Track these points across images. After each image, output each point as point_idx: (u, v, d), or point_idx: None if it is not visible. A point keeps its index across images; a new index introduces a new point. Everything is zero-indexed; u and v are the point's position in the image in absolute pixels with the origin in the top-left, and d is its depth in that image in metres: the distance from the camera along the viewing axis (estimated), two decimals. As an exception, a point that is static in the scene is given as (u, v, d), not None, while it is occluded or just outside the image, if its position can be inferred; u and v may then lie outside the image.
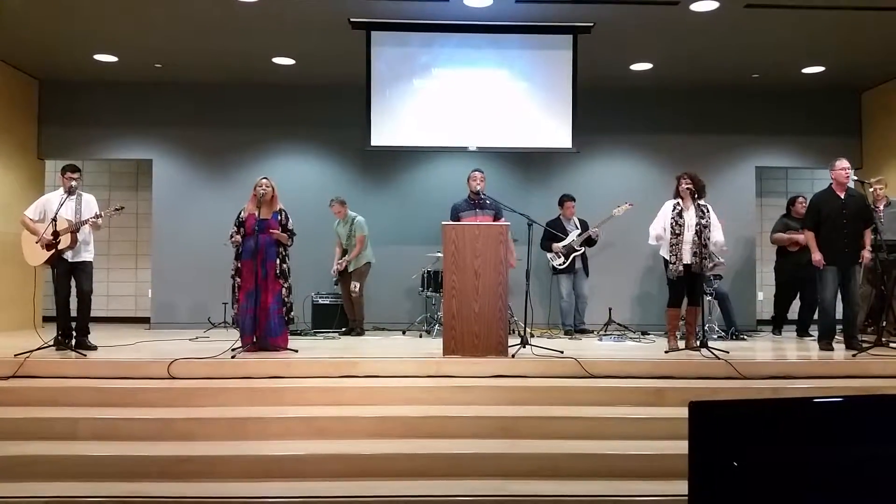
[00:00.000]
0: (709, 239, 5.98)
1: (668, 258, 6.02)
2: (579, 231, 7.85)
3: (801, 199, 7.82)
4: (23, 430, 4.38)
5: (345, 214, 7.94)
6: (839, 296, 6.17)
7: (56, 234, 5.79)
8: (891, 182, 8.03)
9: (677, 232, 5.98)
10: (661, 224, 6.15)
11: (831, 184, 6.22)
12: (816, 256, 6.10)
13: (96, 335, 6.26)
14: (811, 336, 7.69)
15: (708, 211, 6.04)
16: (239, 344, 5.76)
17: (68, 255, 5.97)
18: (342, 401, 4.80)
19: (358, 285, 7.78)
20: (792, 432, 1.54)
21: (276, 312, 5.95)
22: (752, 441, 1.50)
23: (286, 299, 6.01)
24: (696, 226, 5.94)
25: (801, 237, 7.61)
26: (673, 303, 6.17)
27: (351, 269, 7.83)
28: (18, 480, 3.91)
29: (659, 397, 4.84)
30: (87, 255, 6.13)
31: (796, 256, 7.65)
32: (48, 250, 5.86)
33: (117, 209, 6.23)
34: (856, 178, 6.33)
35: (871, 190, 7.00)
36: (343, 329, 7.91)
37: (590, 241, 7.88)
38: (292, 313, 6.12)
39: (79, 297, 6.10)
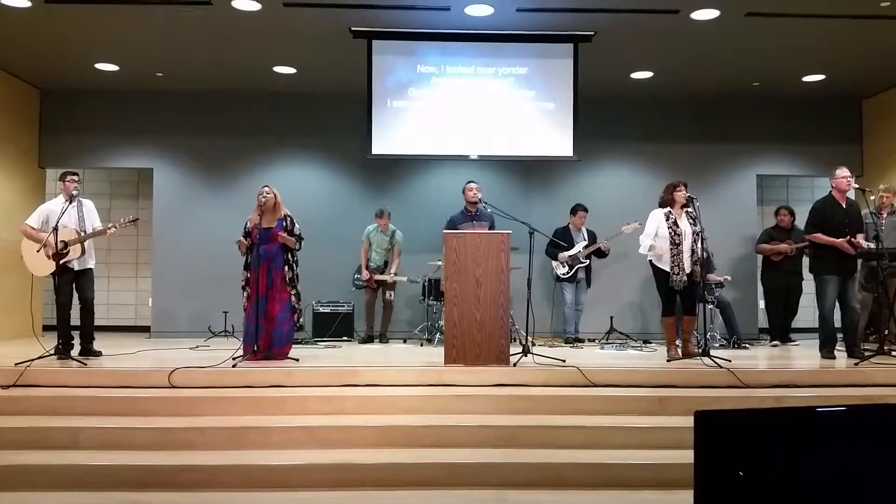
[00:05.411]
0: (705, 245, 5.98)
1: (667, 269, 5.97)
2: (586, 242, 7.85)
3: (783, 212, 7.84)
4: (23, 440, 4.37)
5: (387, 226, 8.14)
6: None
7: (65, 244, 5.84)
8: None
9: (677, 242, 5.95)
10: (653, 233, 6.07)
11: (831, 192, 6.18)
12: (839, 244, 5.92)
13: (97, 344, 6.24)
14: (793, 342, 7.72)
15: (698, 217, 6.03)
16: (240, 353, 5.74)
17: (74, 264, 5.99)
18: (343, 410, 4.79)
19: (393, 294, 8.08)
20: (797, 441, 1.53)
21: (285, 321, 5.95)
22: (758, 450, 1.49)
23: (296, 306, 6.02)
24: (693, 234, 5.95)
25: (784, 247, 7.65)
26: (667, 311, 6.11)
27: (388, 279, 8.02)
28: (19, 490, 3.90)
29: (661, 406, 4.83)
30: (90, 262, 6.20)
31: (781, 265, 7.78)
32: (56, 260, 5.85)
33: (132, 220, 6.20)
34: (857, 186, 6.30)
35: (874, 198, 6.99)
36: (344, 338, 7.91)
37: (599, 254, 7.87)
38: (301, 319, 6.12)
39: (82, 305, 6.11)
